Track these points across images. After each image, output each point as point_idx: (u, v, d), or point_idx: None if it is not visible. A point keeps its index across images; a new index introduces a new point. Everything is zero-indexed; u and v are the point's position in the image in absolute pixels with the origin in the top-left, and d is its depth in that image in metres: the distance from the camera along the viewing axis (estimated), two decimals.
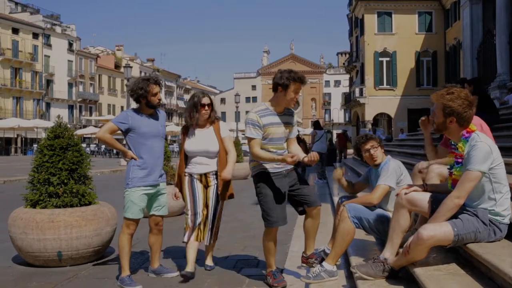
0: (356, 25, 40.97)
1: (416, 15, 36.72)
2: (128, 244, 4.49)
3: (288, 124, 4.26)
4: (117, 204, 6.19)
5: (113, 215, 5.47)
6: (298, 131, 21.29)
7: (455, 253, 3.29)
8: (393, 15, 36.74)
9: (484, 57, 18.18)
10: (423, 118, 4.00)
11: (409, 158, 10.11)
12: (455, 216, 3.09)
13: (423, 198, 3.36)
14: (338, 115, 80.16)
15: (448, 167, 3.44)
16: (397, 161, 4.38)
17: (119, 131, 4.45)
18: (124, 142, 4.67)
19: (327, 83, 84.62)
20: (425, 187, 3.50)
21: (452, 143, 3.41)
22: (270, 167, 4.16)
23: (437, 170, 3.95)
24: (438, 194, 3.42)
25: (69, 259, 5.00)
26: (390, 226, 3.51)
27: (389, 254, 3.41)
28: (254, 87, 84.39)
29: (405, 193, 3.42)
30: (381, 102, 36.73)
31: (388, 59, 36.97)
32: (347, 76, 56.50)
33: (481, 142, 3.06)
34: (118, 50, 72.72)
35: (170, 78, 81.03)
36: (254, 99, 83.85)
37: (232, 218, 8.35)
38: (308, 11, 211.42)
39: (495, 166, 3.06)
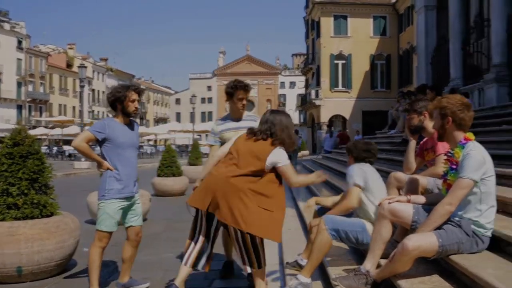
0: (313, 28, 41.37)
1: (371, 19, 37.45)
2: (99, 258, 4.29)
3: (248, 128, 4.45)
4: (77, 212, 5.93)
5: (76, 226, 5.22)
6: None
7: (436, 265, 3.26)
8: (348, 19, 37.32)
9: (438, 62, 18.64)
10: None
11: (378, 162, 10.17)
12: (439, 227, 3.07)
13: (405, 209, 3.33)
14: (293, 116, 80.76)
15: (443, 173, 3.41)
16: (361, 166, 4.17)
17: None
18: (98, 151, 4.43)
19: (283, 84, 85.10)
20: (408, 199, 3.46)
21: (450, 151, 3.38)
22: None
23: (417, 181, 3.93)
24: (420, 205, 3.40)
25: (30, 274, 4.71)
26: (372, 237, 3.47)
27: (370, 265, 3.36)
28: (209, 88, 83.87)
29: (388, 203, 3.38)
30: (337, 104, 37.27)
31: (343, 61, 37.57)
32: (303, 78, 56.98)
33: (475, 151, 3.07)
34: (70, 48, 70.55)
35: (123, 78, 79.37)
36: (210, 99, 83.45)
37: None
38: (264, 12, 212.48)
39: (486, 177, 3.06)
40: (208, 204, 3.66)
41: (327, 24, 37.29)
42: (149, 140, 63.01)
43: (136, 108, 4.34)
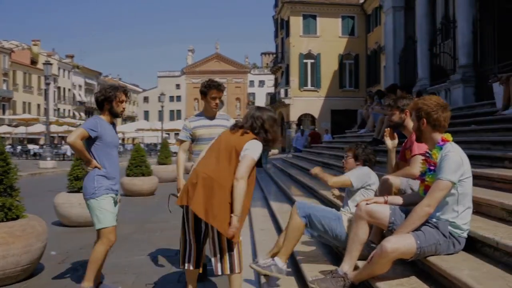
0: (282, 27, 41.49)
1: (340, 19, 37.78)
2: (104, 257, 4.33)
3: (221, 126, 4.72)
4: (43, 214, 5.75)
5: (44, 230, 5.03)
6: None
7: (413, 266, 3.27)
8: (317, 18, 37.55)
9: (406, 62, 18.90)
10: (387, 129, 4.06)
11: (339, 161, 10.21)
12: (416, 228, 3.08)
13: (382, 210, 3.33)
14: None
15: (420, 174, 3.43)
16: (372, 172, 4.38)
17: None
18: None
19: (252, 83, 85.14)
20: (385, 200, 3.46)
21: (427, 152, 3.41)
22: None
23: (389, 181, 3.93)
24: (397, 206, 3.40)
25: None
26: (349, 238, 3.45)
27: (348, 267, 3.34)
28: (178, 86, 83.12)
29: (366, 204, 3.37)
30: (306, 103, 37.47)
31: (312, 61, 37.78)
32: (272, 77, 57.08)
33: (453, 152, 3.08)
34: (34, 45, 68.69)
35: (90, 75, 77.97)
36: (178, 98, 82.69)
37: (169, 224, 8.05)
38: (234, 11, 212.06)
39: (464, 178, 3.08)
40: (187, 199, 3.57)
41: (296, 23, 37.43)
42: None
43: (123, 108, 4.45)
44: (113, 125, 4.51)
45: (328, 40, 37.21)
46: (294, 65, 37.67)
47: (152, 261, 5.72)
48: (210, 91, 4.73)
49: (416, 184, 3.91)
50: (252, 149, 3.53)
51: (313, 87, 37.93)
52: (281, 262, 3.85)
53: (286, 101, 37.88)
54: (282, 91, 38.84)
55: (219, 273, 3.60)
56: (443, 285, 2.89)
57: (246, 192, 3.48)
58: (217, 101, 4.80)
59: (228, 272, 3.57)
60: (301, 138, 22.06)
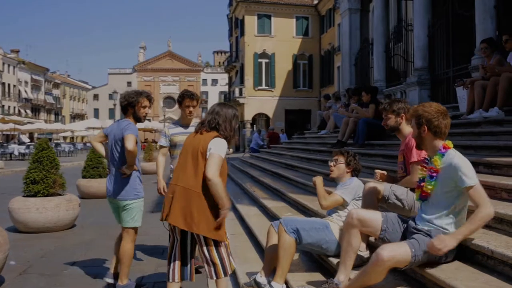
0: (237, 26, 41.42)
1: (294, 19, 38.11)
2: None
3: None
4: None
5: (5, 240, 4.73)
6: None
7: (404, 275, 3.25)
8: (272, 18, 37.74)
9: (362, 64, 19.21)
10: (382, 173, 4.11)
11: (313, 164, 10.22)
12: (410, 237, 3.06)
13: (375, 218, 3.30)
14: None
15: (418, 180, 3.41)
16: (360, 182, 4.33)
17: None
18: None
19: (205, 81, 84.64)
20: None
21: (426, 158, 3.41)
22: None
23: (373, 188, 3.90)
24: (389, 214, 3.39)
25: None
26: (342, 248, 3.39)
27: (343, 277, 3.29)
28: (129, 84, 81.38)
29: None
30: (260, 102, 37.57)
31: (267, 60, 37.94)
32: (225, 75, 56.94)
33: (460, 158, 3.08)
34: None
35: (37, 71, 75.18)
36: None
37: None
38: (187, 9, 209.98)
39: None
40: (167, 213, 3.56)
41: (251, 22, 37.47)
42: (65, 137, 60.19)
43: (146, 113, 4.76)
44: None
45: (282, 40, 37.47)
46: (249, 64, 37.69)
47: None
48: (184, 100, 5.12)
49: (399, 190, 3.92)
50: (216, 147, 3.50)
51: (267, 87, 38.07)
52: (279, 285, 3.76)
53: (241, 100, 37.81)
54: (237, 90, 38.76)
55: (214, 277, 3.60)
56: None
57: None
58: (191, 109, 5.13)
59: (222, 276, 3.58)
60: (258, 138, 22.01)
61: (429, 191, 3.16)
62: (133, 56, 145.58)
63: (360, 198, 4.19)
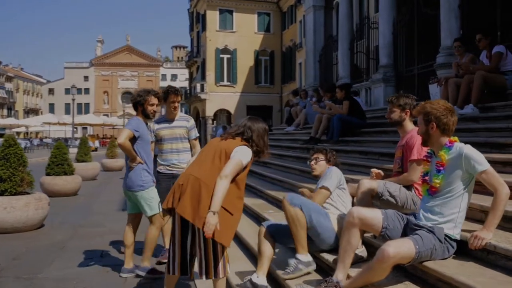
0: (198, 21, 41.07)
1: (256, 15, 38.19)
2: (157, 238, 5.01)
3: (180, 127, 5.45)
4: None
5: None
6: None
7: (404, 271, 3.25)
8: (234, 13, 37.68)
9: (326, 60, 19.40)
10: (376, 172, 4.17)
11: (286, 160, 10.21)
12: (413, 233, 3.09)
13: (375, 216, 3.29)
14: None
15: (423, 174, 3.44)
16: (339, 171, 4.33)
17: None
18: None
19: (164, 76, 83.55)
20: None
21: (428, 152, 3.44)
22: (162, 168, 5.47)
23: (367, 185, 3.92)
24: (389, 211, 3.39)
25: None
26: (341, 246, 3.36)
27: (342, 276, 3.26)
28: (86, 78, 79.45)
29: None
30: (222, 98, 37.45)
31: (229, 56, 37.86)
32: (185, 71, 56.36)
33: (469, 147, 3.15)
34: None
35: None
36: (87, 90, 79.04)
37: (106, 229, 7.59)
38: (146, 2, 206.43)
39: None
40: (172, 201, 3.48)
41: (213, 17, 37.27)
42: (18, 133, 58.24)
43: (154, 111, 5.02)
44: (146, 124, 5.09)
45: (244, 35, 37.48)
46: (210, 60, 37.51)
47: (102, 271, 5.32)
48: (169, 96, 5.33)
49: (392, 187, 3.95)
50: (241, 152, 3.49)
51: (229, 83, 37.99)
52: (304, 256, 3.84)
53: (202, 96, 37.58)
54: (198, 86, 38.48)
55: (204, 278, 3.52)
56: None
57: (238, 195, 3.50)
58: (176, 104, 5.37)
59: (212, 276, 3.51)
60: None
61: (437, 185, 3.19)
62: (90, 50, 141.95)
63: (342, 187, 4.19)
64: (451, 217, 3.14)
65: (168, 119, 5.43)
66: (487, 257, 3.03)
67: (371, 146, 7.89)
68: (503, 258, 2.90)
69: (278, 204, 6.63)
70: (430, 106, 3.26)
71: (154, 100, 4.98)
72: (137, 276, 4.90)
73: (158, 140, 5.43)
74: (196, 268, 3.63)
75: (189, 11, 46.07)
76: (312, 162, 4.41)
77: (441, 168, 3.18)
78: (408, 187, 3.97)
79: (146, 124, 5.09)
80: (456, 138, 3.27)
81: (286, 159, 9.85)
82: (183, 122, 5.49)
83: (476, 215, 3.55)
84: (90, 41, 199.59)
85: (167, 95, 5.32)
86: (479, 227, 3.34)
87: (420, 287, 3.05)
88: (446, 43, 10.04)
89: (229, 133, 3.66)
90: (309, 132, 10.71)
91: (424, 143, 3.38)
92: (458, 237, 3.16)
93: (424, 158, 3.49)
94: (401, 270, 3.22)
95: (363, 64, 16.85)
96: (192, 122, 5.59)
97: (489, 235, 3.01)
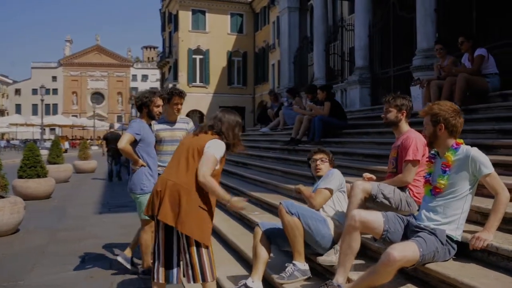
0: (170, 21, 40.68)
1: (229, 16, 38.02)
2: (152, 241, 4.71)
3: (181, 129, 5.40)
4: None
5: None
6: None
7: (404, 274, 3.22)
8: (207, 14, 37.43)
9: (301, 61, 19.47)
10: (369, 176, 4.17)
11: (266, 161, 10.17)
12: (416, 235, 3.08)
13: (377, 219, 3.26)
14: None
15: (426, 175, 3.44)
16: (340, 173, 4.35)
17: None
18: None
19: (135, 77, 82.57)
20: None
21: (432, 153, 3.45)
22: (161, 170, 5.03)
23: (361, 186, 3.89)
24: (389, 213, 3.37)
25: None
26: (341, 250, 3.32)
27: (342, 279, 3.22)
28: (55, 78, 77.75)
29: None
30: (195, 99, 37.08)
31: (201, 56, 37.61)
32: (156, 71, 55.78)
33: (476, 150, 3.17)
34: None
35: None
36: (55, 91, 77.38)
37: (85, 232, 7.39)
38: (116, 2, 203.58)
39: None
40: (153, 208, 3.44)
41: (185, 18, 36.96)
42: None
43: (160, 112, 5.00)
44: (150, 125, 5.09)
45: (217, 36, 37.28)
46: (183, 60, 37.18)
47: (87, 276, 5.15)
48: (173, 97, 5.26)
49: (386, 189, 3.94)
50: (213, 147, 3.41)
51: (202, 83, 37.75)
52: (301, 264, 3.82)
53: None
54: (170, 87, 38.08)
55: (191, 281, 3.45)
56: None
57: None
58: (179, 106, 5.33)
59: (200, 280, 3.43)
60: None
61: (442, 186, 3.19)
62: (58, 50, 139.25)
63: (344, 190, 4.18)
64: (453, 218, 3.14)
65: (169, 120, 5.39)
66: (488, 258, 3.04)
67: (354, 147, 7.91)
68: (505, 259, 2.91)
69: (262, 205, 6.59)
70: (438, 107, 3.26)
71: (160, 101, 4.98)
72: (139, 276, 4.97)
73: (157, 141, 5.34)
74: (183, 273, 3.55)
75: (161, 11, 45.59)
76: (318, 162, 4.38)
77: (447, 169, 3.19)
78: (402, 188, 3.96)
79: (150, 125, 5.09)
80: (461, 140, 3.28)
81: (266, 160, 9.81)
82: (184, 124, 5.48)
83: (472, 216, 3.55)
84: (58, 41, 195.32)
85: (171, 96, 5.27)
86: (475, 228, 3.38)
87: None
88: (422, 46, 10.18)
89: (201, 128, 3.60)
90: (287, 134, 10.70)
91: (430, 144, 3.38)
92: (459, 239, 3.15)
93: (428, 159, 3.49)
94: (402, 273, 3.20)
95: (338, 66, 16.98)
96: (191, 124, 5.59)
97: (490, 237, 3.03)
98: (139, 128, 4.84)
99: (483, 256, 3.08)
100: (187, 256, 3.41)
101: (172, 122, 5.38)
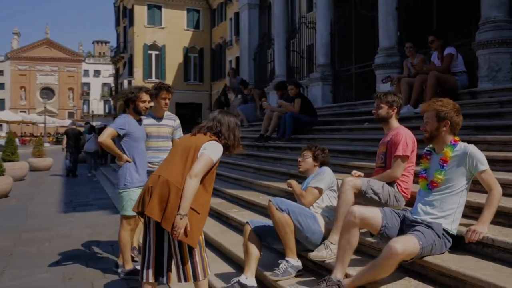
0: (125, 15, 39.87)
1: (185, 12, 37.63)
2: (130, 239, 4.95)
3: (167, 126, 5.39)
4: None
5: None
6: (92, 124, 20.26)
7: (400, 267, 3.27)
8: (163, 9, 36.93)
9: (261, 59, 19.50)
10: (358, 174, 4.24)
11: (237, 158, 10.12)
12: (414, 229, 3.14)
13: (375, 215, 3.31)
14: (97, 106, 76.92)
15: (421, 170, 3.51)
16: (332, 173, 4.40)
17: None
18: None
19: (86, 72, 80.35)
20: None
21: (427, 149, 3.53)
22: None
23: (351, 183, 3.93)
24: (385, 208, 3.43)
25: None
26: (340, 246, 3.35)
27: (340, 275, 3.25)
28: (1, 72, 74.72)
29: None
30: None
31: (157, 52, 37.12)
32: (109, 66, 54.58)
33: (473, 147, 3.27)
34: None
35: None
36: (2, 85, 74.31)
37: (53, 233, 7.15)
38: None
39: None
40: (142, 204, 3.37)
41: (141, 12, 36.34)
42: None
43: (146, 108, 4.94)
44: (139, 121, 5.00)
45: (173, 32, 36.88)
46: (138, 55, 36.58)
47: (64, 277, 4.97)
48: (160, 92, 5.22)
49: (376, 185, 4.00)
50: (210, 148, 3.37)
51: (158, 79, 37.07)
52: (294, 260, 3.84)
53: None
54: (126, 82, 37.33)
55: (182, 281, 3.41)
56: (447, 284, 2.98)
57: (205, 192, 3.38)
58: (167, 101, 5.27)
59: (191, 280, 3.40)
60: None
61: (439, 180, 3.28)
62: (5, 43, 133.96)
63: (334, 189, 4.23)
64: (449, 212, 3.24)
65: (156, 116, 5.34)
66: (483, 250, 3.15)
67: (326, 143, 7.96)
68: (501, 251, 3.01)
69: (239, 202, 6.58)
70: (441, 104, 3.34)
71: (146, 97, 4.93)
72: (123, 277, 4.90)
73: (147, 136, 5.27)
74: (174, 272, 3.48)
75: (115, 5, 44.59)
76: (300, 158, 4.47)
77: (445, 164, 3.29)
78: (390, 183, 4.04)
79: (140, 121, 5.01)
80: (458, 138, 3.38)
81: (236, 157, 9.77)
82: (170, 121, 5.44)
83: (463, 210, 3.67)
84: (5, 33, 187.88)
85: (159, 90, 5.23)
86: (466, 222, 3.48)
87: (422, 282, 3.11)
88: (384, 44, 10.37)
89: (199, 128, 3.55)
90: (255, 130, 10.71)
91: (429, 140, 3.44)
92: (455, 232, 3.25)
93: (424, 155, 3.57)
94: (399, 267, 3.26)
95: (297, 63, 17.11)
96: (178, 121, 5.55)
97: (485, 229, 3.14)
98: (123, 123, 4.80)
99: (477, 249, 3.18)
100: (178, 255, 3.36)
101: (159, 117, 5.34)
